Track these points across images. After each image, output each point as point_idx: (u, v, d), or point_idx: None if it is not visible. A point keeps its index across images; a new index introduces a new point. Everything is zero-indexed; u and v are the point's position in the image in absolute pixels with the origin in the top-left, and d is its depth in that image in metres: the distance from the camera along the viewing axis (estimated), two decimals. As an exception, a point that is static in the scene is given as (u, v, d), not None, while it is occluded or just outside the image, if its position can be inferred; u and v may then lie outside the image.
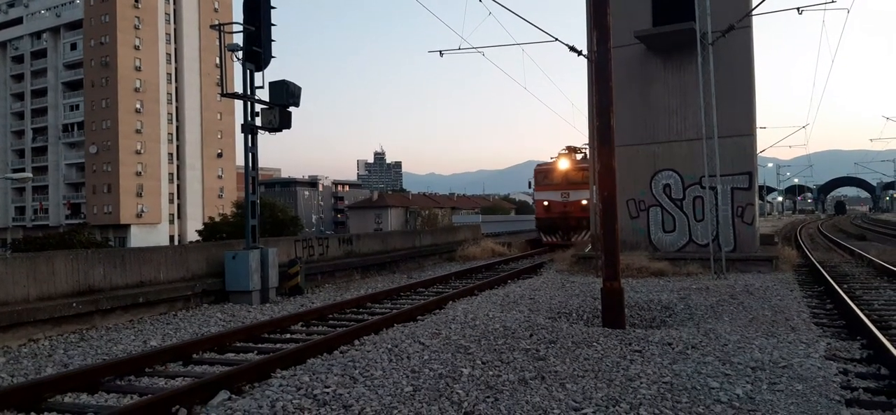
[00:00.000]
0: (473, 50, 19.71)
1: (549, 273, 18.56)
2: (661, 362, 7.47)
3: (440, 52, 20.01)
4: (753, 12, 18.13)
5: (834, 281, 14.21)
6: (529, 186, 33.51)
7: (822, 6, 16.89)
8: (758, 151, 21.35)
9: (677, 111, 19.31)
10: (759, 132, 21.19)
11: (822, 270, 16.66)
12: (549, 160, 33.06)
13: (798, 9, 16.62)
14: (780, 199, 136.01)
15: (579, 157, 32.61)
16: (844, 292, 12.45)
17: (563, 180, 31.32)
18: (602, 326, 10.01)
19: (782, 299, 12.30)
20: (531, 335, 8.97)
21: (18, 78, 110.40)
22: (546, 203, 31.83)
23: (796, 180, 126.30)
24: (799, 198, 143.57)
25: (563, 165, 31.43)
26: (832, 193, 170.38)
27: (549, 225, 31.63)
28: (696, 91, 17.97)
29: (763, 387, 6.53)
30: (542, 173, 32.53)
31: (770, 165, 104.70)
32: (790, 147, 69.26)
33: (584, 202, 29.15)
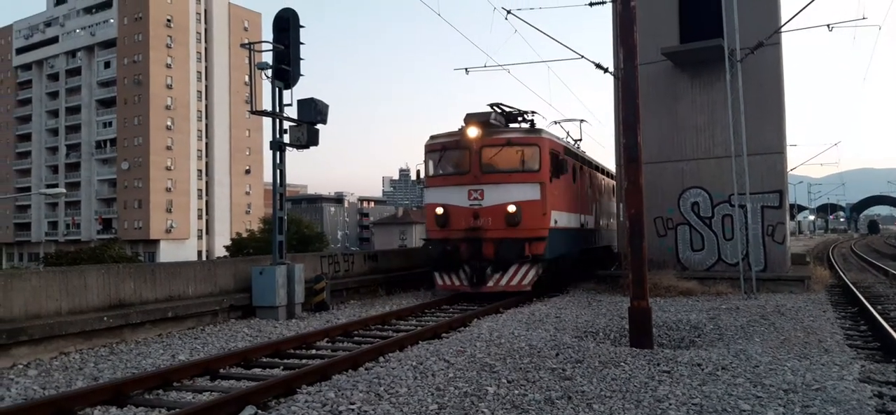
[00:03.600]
0: (499, 67, 19.74)
1: (575, 292, 18.40)
2: (691, 383, 7.35)
3: (466, 69, 20.06)
4: (783, 29, 17.94)
5: (867, 302, 13.90)
6: (418, 180, 18.16)
7: (853, 23, 16.67)
8: (788, 169, 21.02)
9: (705, 128, 19.11)
10: (789, 150, 20.88)
11: (855, 290, 16.30)
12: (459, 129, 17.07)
13: (828, 25, 16.41)
14: (811, 218, 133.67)
15: (517, 126, 17.93)
16: (878, 313, 12.16)
17: (472, 166, 16.29)
18: (629, 345, 9.89)
19: (815, 320, 12.05)
20: (557, 354, 8.89)
21: (53, 95, 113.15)
22: (440, 210, 16.59)
23: (828, 199, 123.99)
24: (831, 217, 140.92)
25: (473, 133, 16.29)
26: (865, 212, 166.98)
27: (447, 253, 16.31)
28: (724, 108, 17.78)
29: (796, 410, 6.38)
30: (437, 153, 17.21)
31: (801, 183, 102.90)
32: (821, 165, 68.11)
33: (513, 208, 15.81)
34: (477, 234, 16.04)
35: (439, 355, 8.87)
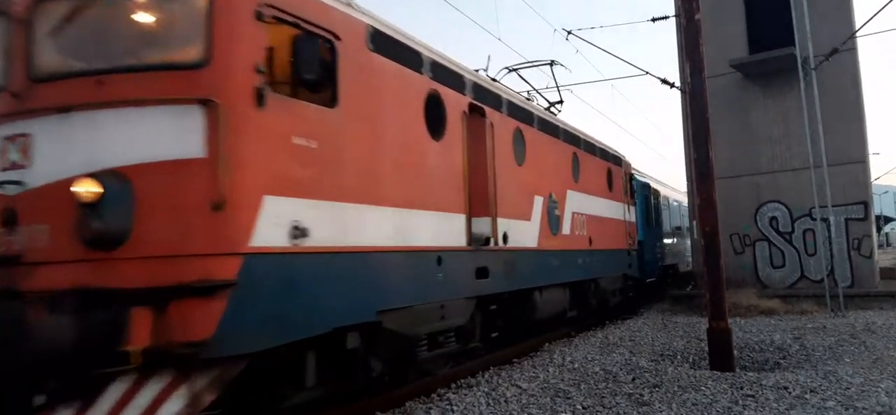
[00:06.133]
0: (562, 87, 19.58)
1: (649, 313, 17.92)
2: (778, 408, 7.02)
3: (527, 92, 20.01)
4: (858, 34, 17.19)
5: (970, 317, 13.00)
6: None
7: (936, 21, 15.83)
8: (872, 179, 20.01)
9: (780, 140, 18.43)
10: (872, 158, 19.90)
11: (954, 304, 15.30)
12: None
13: (908, 26, 15.63)
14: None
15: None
16: (984, 329, 11.36)
17: (12, 67, 5.10)
18: (709, 368, 9.55)
19: (910, 338, 11.35)
20: (633, 379, 8.66)
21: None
22: None
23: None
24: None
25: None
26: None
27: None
28: (799, 118, 17.10)
29: (895, 434, 6.00)
30: None
31: (886, 192, 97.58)
32: (909, 172, 64.61)
33: (92, 190, 4.61)
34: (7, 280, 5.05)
35: (512, 381, 8.78)
